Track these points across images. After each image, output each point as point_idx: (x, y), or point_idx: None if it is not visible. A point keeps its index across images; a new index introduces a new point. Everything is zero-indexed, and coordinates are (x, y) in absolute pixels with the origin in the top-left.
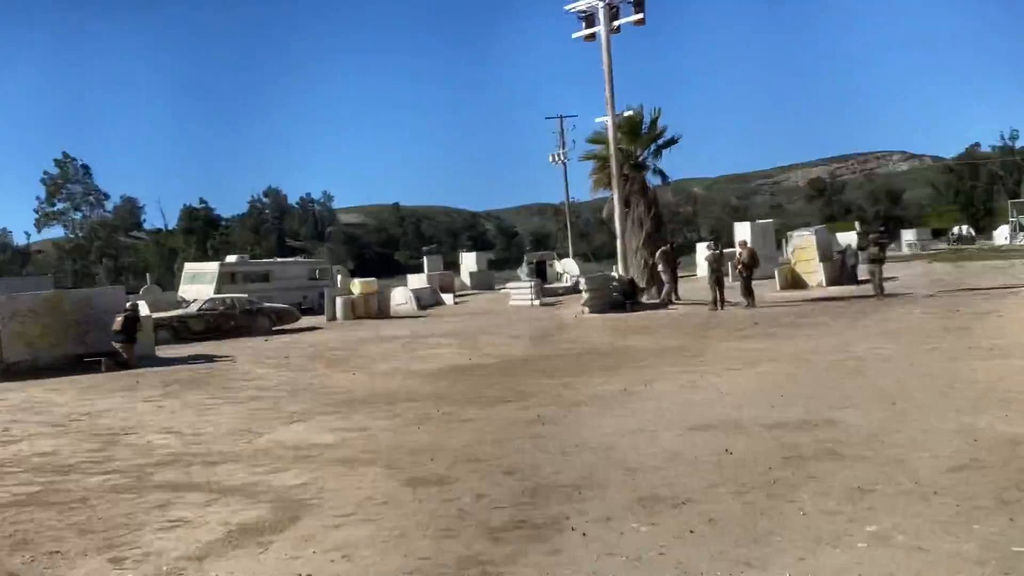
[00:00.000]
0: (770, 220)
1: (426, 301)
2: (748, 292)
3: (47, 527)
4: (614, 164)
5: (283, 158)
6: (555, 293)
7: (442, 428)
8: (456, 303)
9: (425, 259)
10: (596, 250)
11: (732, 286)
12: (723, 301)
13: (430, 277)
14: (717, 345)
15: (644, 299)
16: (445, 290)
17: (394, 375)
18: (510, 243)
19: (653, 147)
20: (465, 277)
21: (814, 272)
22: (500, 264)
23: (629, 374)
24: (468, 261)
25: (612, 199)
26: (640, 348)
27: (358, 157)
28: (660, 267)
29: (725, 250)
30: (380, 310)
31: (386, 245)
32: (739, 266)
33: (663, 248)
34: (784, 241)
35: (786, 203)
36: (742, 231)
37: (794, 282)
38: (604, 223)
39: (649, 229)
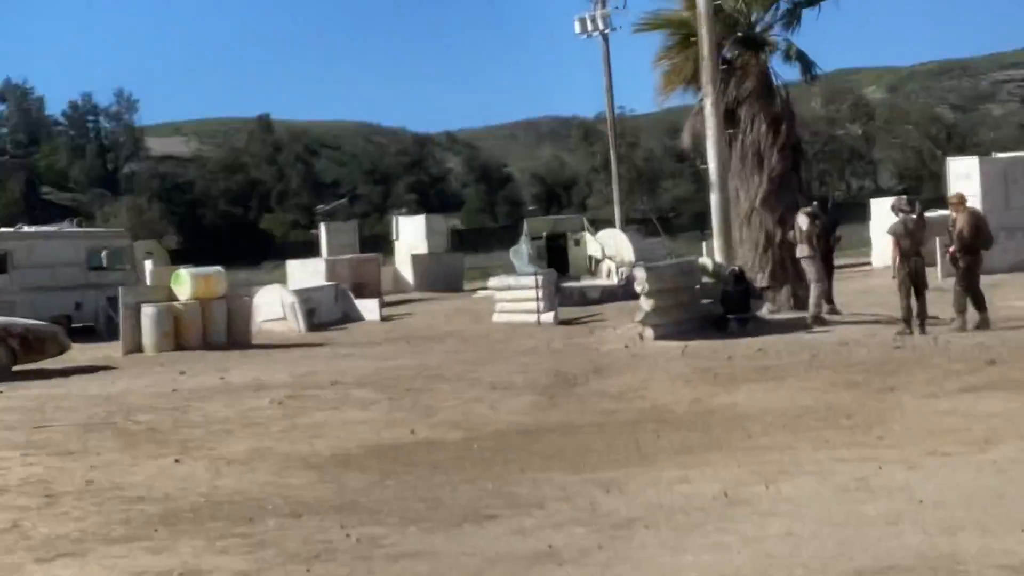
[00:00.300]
0: (1019, 153)
1: (325, 313)
2: (971, 299)
3: None
4: (706, 39)
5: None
6: (586, 298)
7: (356, 572)
8: (386, 317)
9: (323, 228)
10: (668, 212)
11: (940, 287)
12: (924, 316)
13: (332, 265)
14: (909, 405)
15: (765, 311)
16: (364, 291)
17: (259, 463)
18: (495, 197)
19: (784, 5)
20: (404, 265)
21: None
22: (476, 238)
23: (733, 463)
24: (410, 232)
25: (702, 109)
26: (755, 410)
27: (187, 24)
28: (801, 249)
29: (928, 214)
30: (232, 331)
31: (242, 200)
32: (952, 247)
33: (806, 210)
34: None
35: None
36: (961, 176)
37: None
38: (685, 158)
39: (777, 170)
